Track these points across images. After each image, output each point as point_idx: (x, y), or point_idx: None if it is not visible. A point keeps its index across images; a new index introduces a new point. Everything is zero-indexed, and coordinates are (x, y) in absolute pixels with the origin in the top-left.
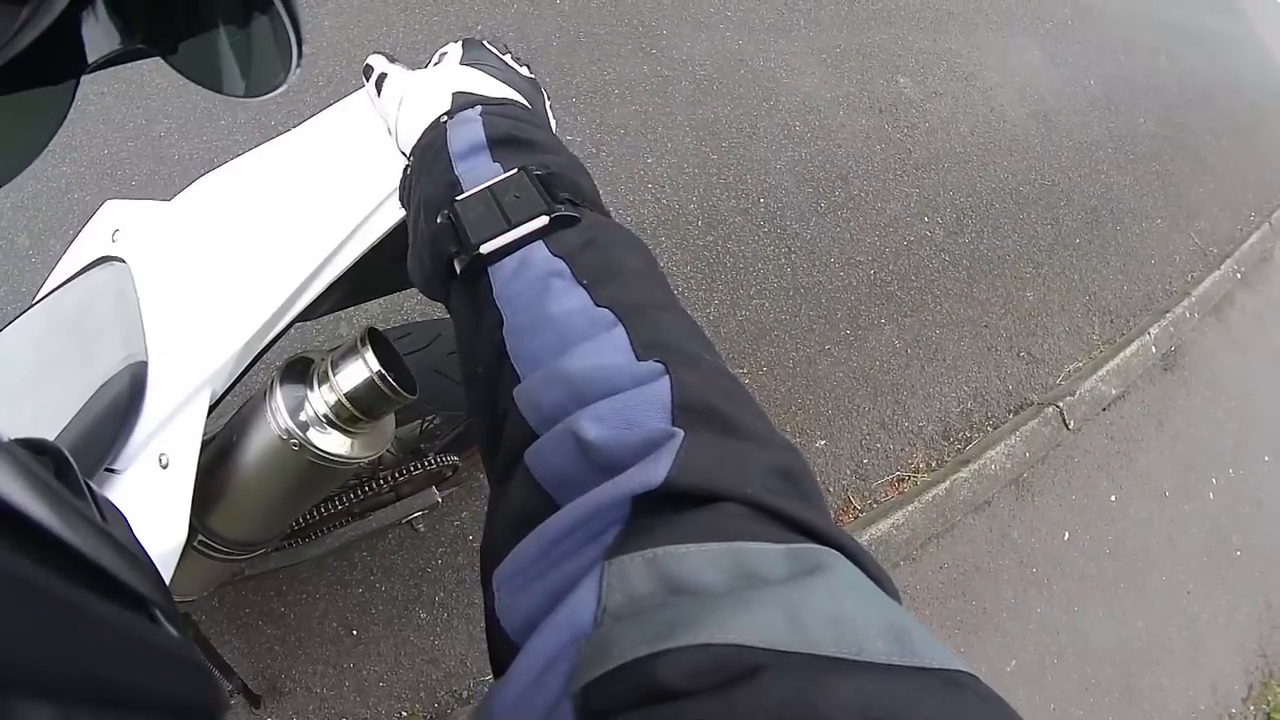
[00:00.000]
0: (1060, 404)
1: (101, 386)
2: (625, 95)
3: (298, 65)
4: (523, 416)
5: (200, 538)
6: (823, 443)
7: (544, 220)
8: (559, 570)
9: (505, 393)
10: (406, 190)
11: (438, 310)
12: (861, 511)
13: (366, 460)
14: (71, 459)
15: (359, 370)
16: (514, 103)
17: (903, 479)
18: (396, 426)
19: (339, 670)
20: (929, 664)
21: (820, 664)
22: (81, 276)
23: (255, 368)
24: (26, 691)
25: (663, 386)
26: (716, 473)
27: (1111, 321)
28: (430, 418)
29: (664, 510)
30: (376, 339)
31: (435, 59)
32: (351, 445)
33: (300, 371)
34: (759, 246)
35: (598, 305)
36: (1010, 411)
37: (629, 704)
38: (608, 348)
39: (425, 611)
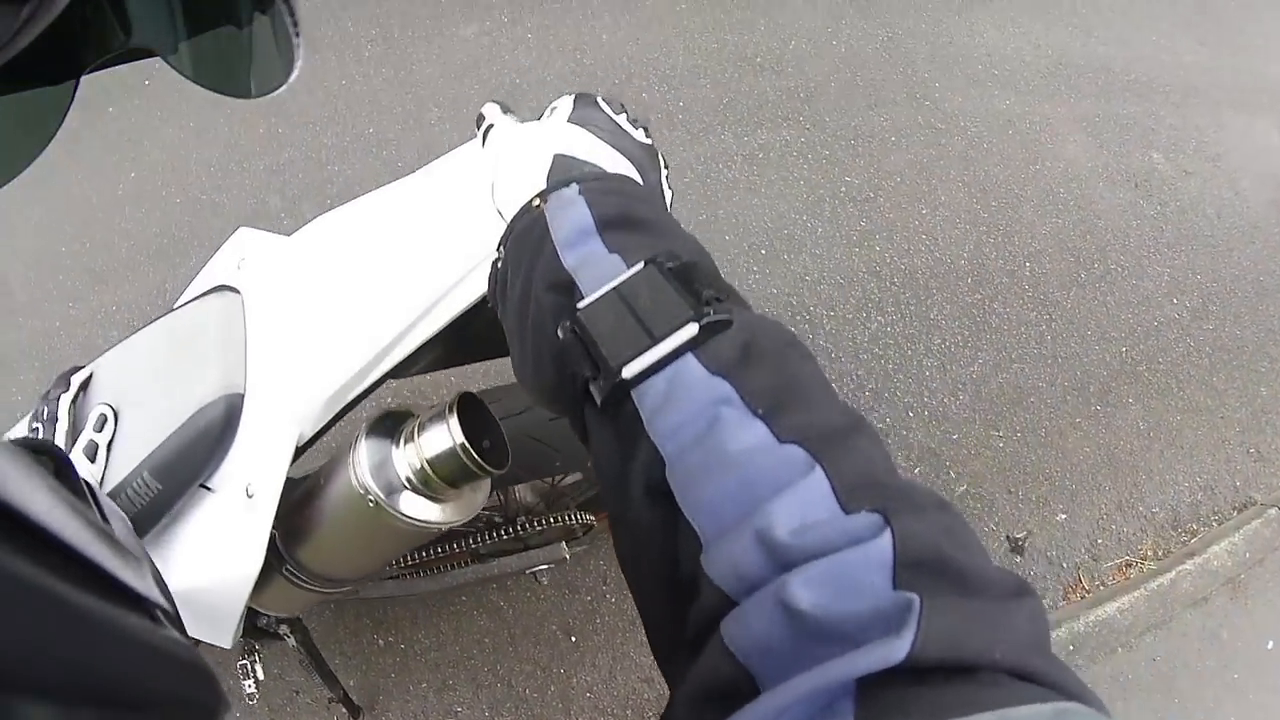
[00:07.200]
0: None
1: (198, 411)
2: (900, 143)
3: (298, 65)
4: (716, 585)
5: (288, 566)
6: (1063, 517)
7: (693, 329)
8: None
9: (686, 551)
10: (500, 285)
11: None
12: (1089, 592)
13: (450, 525)
14: (71, 461)
15: (443, 438)
16: (616, 176)
17: (1130, 564)
18: (530, 481)
19: (547, 673)
20: None
21: None
22: (200, 300)
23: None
24: (27, 691)
25: (884, 543)
26: (963, 640)
27: None
28: (562, 475)
29: (900, 685)
30: (469, 406)
31: (547, 112)
32: (433, 510)
33: (390, 428)
34: (1022, 310)
35: (782, 441)
36: (1235, 508)
37: None
38: (809, 499)
39: None
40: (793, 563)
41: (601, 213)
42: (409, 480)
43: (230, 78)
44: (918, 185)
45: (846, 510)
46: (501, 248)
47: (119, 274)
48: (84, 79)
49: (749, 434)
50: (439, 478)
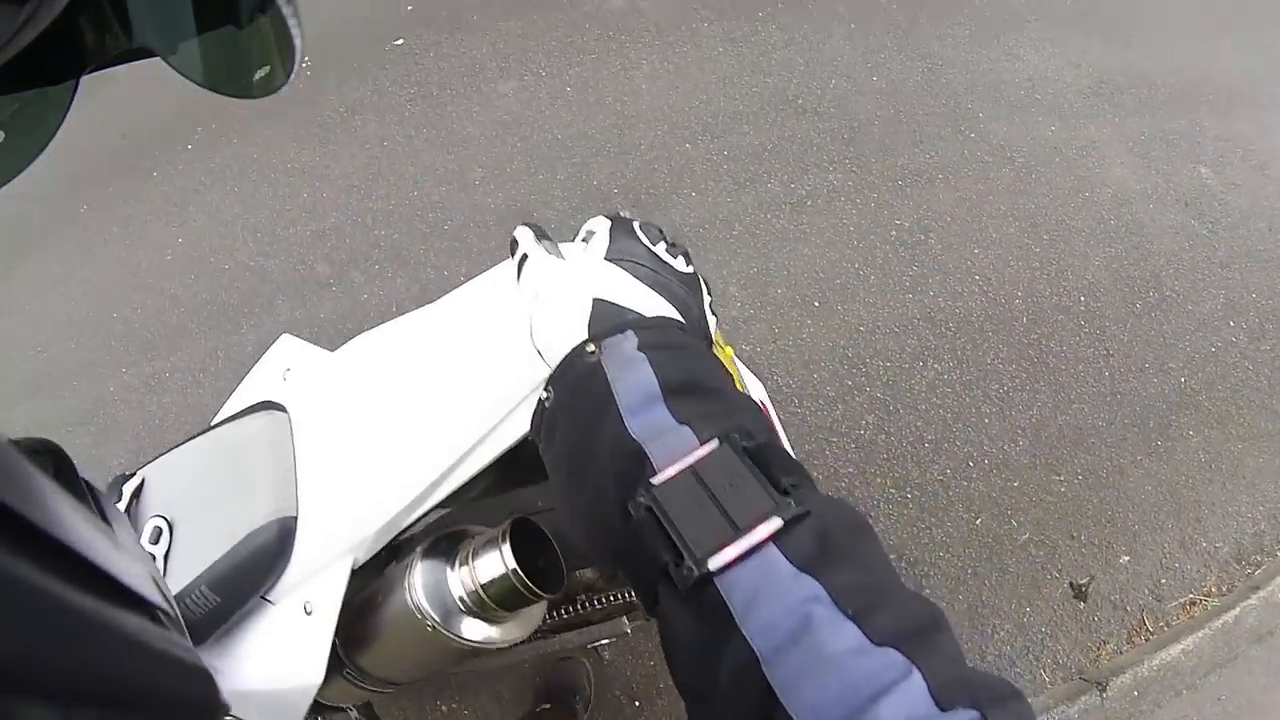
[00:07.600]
0: None
1: (252, 532)
2: (948, 180)
3: (298, 65)
4: None
5: (349, 671)
6: (1126, 559)
7: (777, 523)
8: None
9: None
10: (548, 427)
11: None
12: (1153, 634)
13: (509, 644)
14: (73, 460)
15: (496, 565)
16: (667, 322)
17: (1194, 602)
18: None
19: None
20: None
21: None
22: (246, 417)
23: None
24: (27, 692)
25: None
26: None
27: None
28: None
29: None
30: (522, 529)
31: (582, 234)
32: (491, 631)
33: (445, 550)
34: (1079, 348)
35: (877, 644)
36: None
37: None
38: (907, 700)
39: None
40: None
41: (666, 376)
42: (463, 601)
43: (231, 78)
44: (967, 224)
45: (941, 707)
46: (550, 389)
47: (170, 340)
48: (126, 141)
49: (844, 637)
50: (493, 602)
